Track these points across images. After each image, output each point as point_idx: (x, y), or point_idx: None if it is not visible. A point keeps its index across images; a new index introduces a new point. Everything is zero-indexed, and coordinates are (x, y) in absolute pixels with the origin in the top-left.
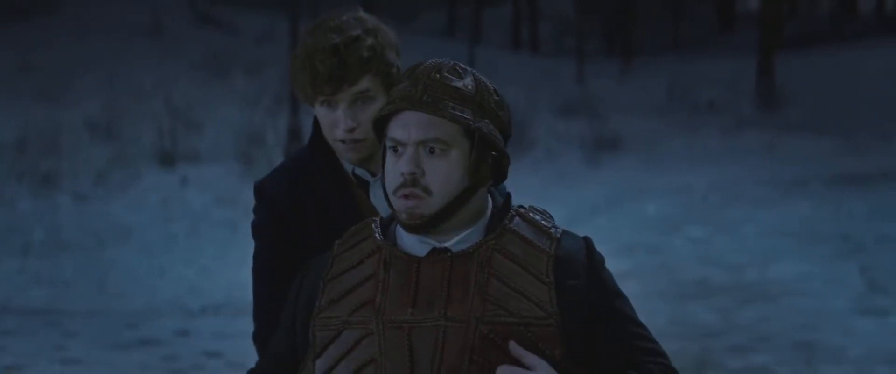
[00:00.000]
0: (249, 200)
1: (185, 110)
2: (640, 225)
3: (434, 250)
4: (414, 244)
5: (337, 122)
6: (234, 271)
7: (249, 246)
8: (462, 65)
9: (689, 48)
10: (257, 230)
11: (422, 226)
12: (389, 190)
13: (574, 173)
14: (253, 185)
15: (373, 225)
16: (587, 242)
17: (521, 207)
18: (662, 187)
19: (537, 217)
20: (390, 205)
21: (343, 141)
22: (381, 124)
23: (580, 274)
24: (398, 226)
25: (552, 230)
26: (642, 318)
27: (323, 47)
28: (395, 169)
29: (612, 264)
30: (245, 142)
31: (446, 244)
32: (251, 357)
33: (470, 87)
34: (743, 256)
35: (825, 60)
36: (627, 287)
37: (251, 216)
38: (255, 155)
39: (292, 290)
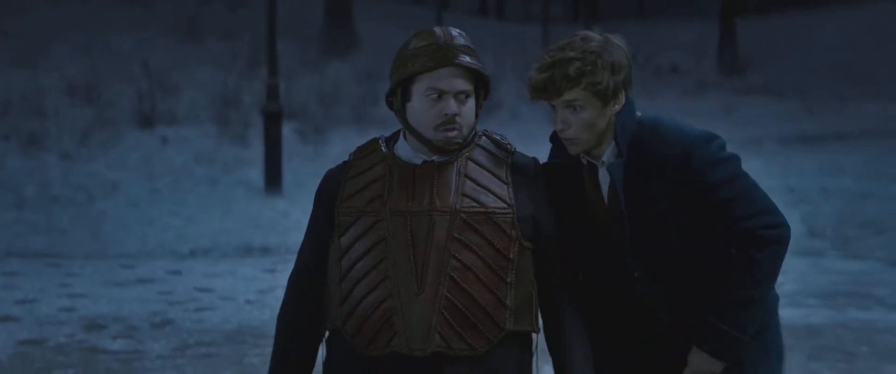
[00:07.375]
0: (227, 158)
1: (162, 74)
2: None
3: (424, 161)
4: (410, 155)
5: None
6: (218, 221)
7: (231, 199)
8: (457, 29)
9: (654, 13)
10: None
11: (454, 150)
12: (431, 125)
13: (537, 135)
14: None
15: (380, 141)
16: (534, 158)
17: (484, 130)
18: None
19: (497, 136)
20: (419, 136)
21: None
22: (407, 80)
23: (532, 177)
24: (398, 143)
25: (508, 146)
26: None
27: (541, 60)
28: (437, 110)
29: None
30: (221, 104)
31: (434, 158)
32: (240, 292)
33: (471, 44)
34: None
35: (786, 25)
36: None
37: (230, 174)
38: (231, 117)
39: (317, 194)
